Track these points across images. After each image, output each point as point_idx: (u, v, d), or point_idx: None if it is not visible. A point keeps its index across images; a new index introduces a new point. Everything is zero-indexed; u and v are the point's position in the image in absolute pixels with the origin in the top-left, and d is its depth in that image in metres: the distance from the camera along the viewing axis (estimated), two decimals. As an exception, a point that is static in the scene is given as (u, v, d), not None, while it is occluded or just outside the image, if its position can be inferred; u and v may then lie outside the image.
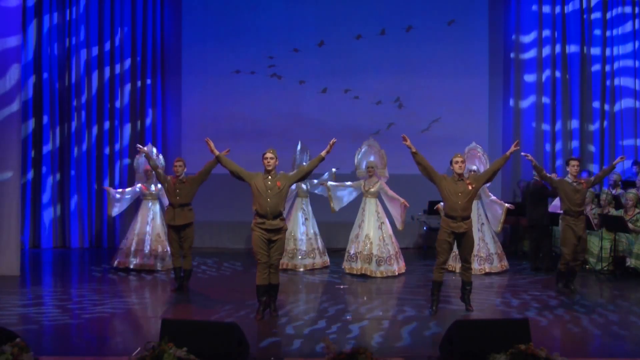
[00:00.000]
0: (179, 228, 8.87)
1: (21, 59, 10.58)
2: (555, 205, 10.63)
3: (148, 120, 13.16)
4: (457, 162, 7.64)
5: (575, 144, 13.18)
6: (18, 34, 10.10)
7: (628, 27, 12.96)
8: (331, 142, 7.62)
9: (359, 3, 13.24)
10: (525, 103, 13.37)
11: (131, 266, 10.38)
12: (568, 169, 8.93)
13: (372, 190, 10.29)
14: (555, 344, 6.49)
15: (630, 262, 10.01)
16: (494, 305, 8.26)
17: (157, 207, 10.73)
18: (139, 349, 5.66)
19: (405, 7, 13.21)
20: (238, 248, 12.81)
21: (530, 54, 13.32)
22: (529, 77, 13.36)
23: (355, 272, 10.07)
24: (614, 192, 11.03)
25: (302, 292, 9.14)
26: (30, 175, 12.84)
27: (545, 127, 13.26)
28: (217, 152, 7.70)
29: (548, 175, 9.05)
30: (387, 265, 10.04)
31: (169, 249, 9.87)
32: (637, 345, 6.63)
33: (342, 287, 9.37)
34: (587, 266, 10.52)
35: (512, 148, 7.94)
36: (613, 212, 10.46)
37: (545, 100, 13.24)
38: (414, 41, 13.18)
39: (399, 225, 10.28)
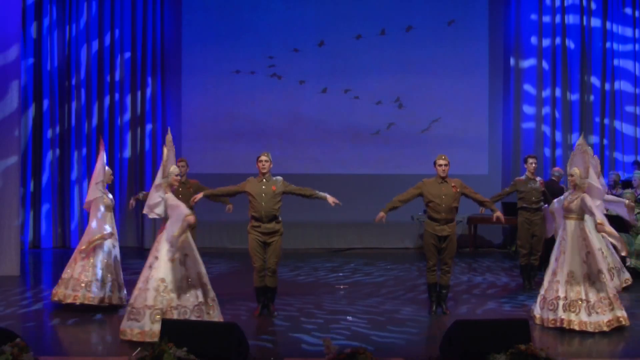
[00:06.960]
0: None
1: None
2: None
3: (148, 126, 13.17)
4: (440, 165, 7.56)
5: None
6: (18, 41, 9.96)
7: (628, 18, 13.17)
8: (338, 202, 7.50)
9: (359, 3, 13.23)
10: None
11: None
12: (526, 166, 9.15)
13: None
14: (555, 344, 6.49)
15: (630, 262, 10.00)
16: (493, 306, 8.25)
17: None
18: (139, 349, 5.66)
19: (405, 7, 13.21)
20: (238, 248, 12.78)
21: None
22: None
23: None
24: (613, 192, 11.01)
25: (302, 292, 9.13)
26: (31, 172, 12.86)
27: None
28: (201, 195, 7.58)
29: (500, 194, 9.33)
30: None
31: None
32: (637, 345, 6.64)
33: (341, 287, 9.38)
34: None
35: (495, 215, 7.62)
36: (611, 212, 10.43)
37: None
38: (414, 41, 13.17)
39: None
